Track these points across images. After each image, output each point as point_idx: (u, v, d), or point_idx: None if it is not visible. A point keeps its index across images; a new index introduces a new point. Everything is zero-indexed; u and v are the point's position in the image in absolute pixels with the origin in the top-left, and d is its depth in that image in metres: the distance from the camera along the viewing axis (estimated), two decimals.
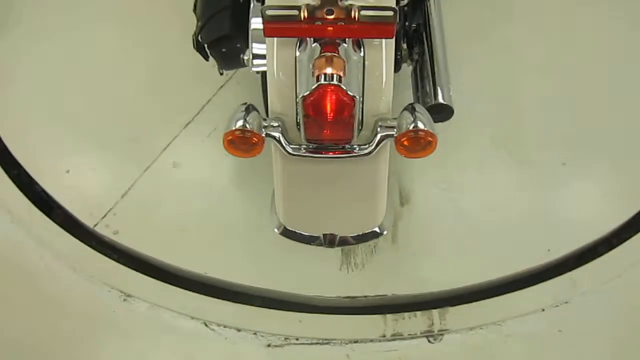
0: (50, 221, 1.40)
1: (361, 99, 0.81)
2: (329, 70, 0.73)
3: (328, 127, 0.79)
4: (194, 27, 1.17)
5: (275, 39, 0.81)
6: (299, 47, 0.79)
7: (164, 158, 1.45)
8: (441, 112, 1.04)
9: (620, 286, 1.28)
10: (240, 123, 0.81)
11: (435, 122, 1.05)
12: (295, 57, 0.80)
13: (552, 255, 1.32)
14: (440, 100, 1.02)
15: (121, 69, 1.58)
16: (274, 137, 0.83)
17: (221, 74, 1.32)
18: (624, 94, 1.51)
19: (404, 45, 1.14)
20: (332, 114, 0.76)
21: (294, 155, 0.84)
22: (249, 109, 0.84)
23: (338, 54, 0.76)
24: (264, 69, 0.95)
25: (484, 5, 1.64)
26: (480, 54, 1.57)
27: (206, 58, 1.18)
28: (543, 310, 1.27)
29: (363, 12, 0.72)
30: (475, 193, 1.39)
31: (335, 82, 0.73)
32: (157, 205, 1.40)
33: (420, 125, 0.81)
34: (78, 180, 1.44)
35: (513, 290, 1.29)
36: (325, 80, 0.73)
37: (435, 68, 1.07)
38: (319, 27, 0.75)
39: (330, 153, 0.84)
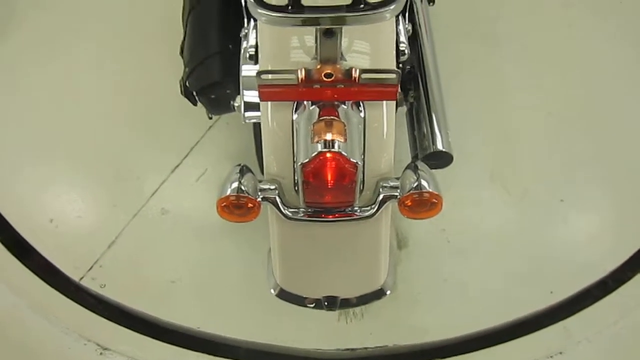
0: (28, 270, 1.34)
1: (363, 162, 0.77)
2: (328, 137, 0.69)
3: (328, 193, 0.75)
4: (181, 71, 1.14)
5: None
6: (297, 109, 0.75)
7: (152, 204, 1.40)
8: (440, 159, 1.01)
9: (617, 333, 1.25)
10: (235, 185, 0.77)
11: (434, 168, 1.02)
12: (293, 119, 0.75)
13: (552, 298, 1.28)
14: (440, 147, 0.99)
15: (108, 108, 1.53)
16: (270, 201, 0.79)
17: (210, 118, 1.28)
18: (621, 130, 1.49)
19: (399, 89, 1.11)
20: (332, 181, 0.72)
21: (293, 219, 0.80)
22: (243, 170, 0.80)
23: (338, 116, 0.72)
24: (256, 120, 0.91)
25: (478, 41, 1.62)
26: (475, 89, 1.55)
27: (194, 103, 1.14)
28: None
29: (364, 75, 0.69)
30: (473, 234, 1.36)
31: (335, 149, 0.69)
32: (145, 256, 1.34)
33: (425, 185, 0.77)
34: (62, 229, 1.38)
35: (513, 339, 1.25)
36: (325, 147, 0.69)
37: (432, 112, 1.04)
38: (318, 91, 0.71)
39: (331, 216, 0.80)
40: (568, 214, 1.40)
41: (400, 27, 0.88)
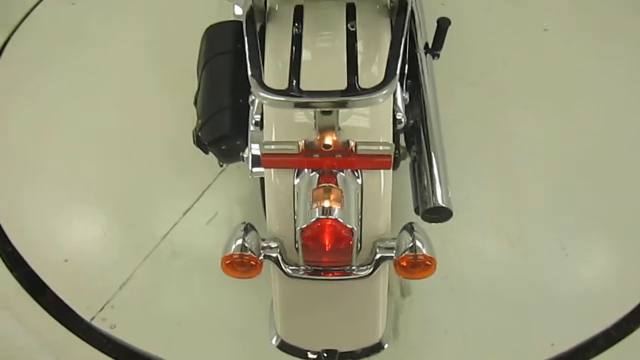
0: (41, 308, 1.39)
1: (360, 225, 0.81)
2: (326, 204, 0.74)
3: (326, 255, 0.79)
4: (195, 119, 1.19)
5: None
6: (298, 174, 0.80)
7: (163, 246, 1.45)
8: (440, 213, 1.04)
9: None
10: (239, 243, 0.81)
11: (434, 222, 1.06)
12: (294, 184, 0.80)
13: (553, 350, 1.29)
14: (440, 202, 1.02)
15: (124, 152, 1.59)
16: (272, 260, 0.83)
17: (221, 165, 1.33)
18: (627, 180, 1.51)
19: (402, 143, 1.15)
20: (330, 245, 0.76)
21: (293, 277, 0.83)
22: (247, 228, 0.84)
23: (336, 183, 0.76)
24: (262, 176, 0.95)
25: (480, 87, 1.67)
26: (478, 136, 1.59)
27: (206, 152, 1.19)
28: None
29: (361, 147, 0.73)
30: (476, 283, 1.38)
31: (333, 215, 0.73)
32: (155, 298, 1.38)
33: (420, 247, 0.80)
34: (76, 269, 1.43)
35: None
36: (323, 214, 0.73)
37: (434, 167, 1.07)
38: (317, 160, 0.75)
39: (329, 275, 0.84)
40: (571, 264, 1.41)
41: (398, 95, 0.92)
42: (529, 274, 1.39)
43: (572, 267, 1.41)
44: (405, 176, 1.12)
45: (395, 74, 0.67)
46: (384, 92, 0.65)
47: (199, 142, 1.18)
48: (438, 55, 1.31)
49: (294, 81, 0.68)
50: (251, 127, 0.98)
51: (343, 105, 0.66)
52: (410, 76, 1.23)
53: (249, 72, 0.71)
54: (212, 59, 1.22)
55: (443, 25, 1.24)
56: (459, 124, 1.56)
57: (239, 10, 1.48)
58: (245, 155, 1.08)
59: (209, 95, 1.19)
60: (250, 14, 0.79)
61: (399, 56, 0.69)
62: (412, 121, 1.17)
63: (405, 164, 1.12)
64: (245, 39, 0.75)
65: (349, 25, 0.77)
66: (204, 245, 1.45)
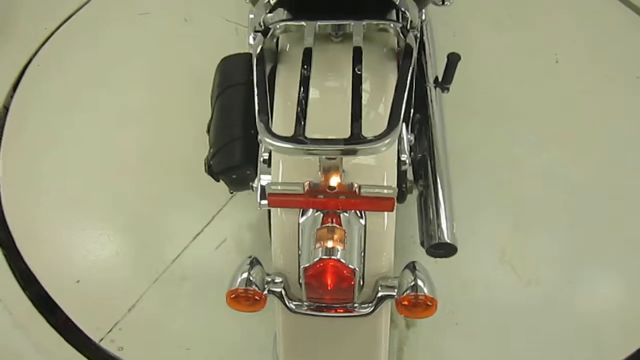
0: (51, 327, 1.42)
1: (362, 263, 0.82)
2: (329, 244, 0.75)
3: (328, 293, 0.80)
4: (207, 146, 1.22)
5: None
6: (303, 212, 0.81)
7: (172, 270, 1.47)
8: (445, 249, 1.05)
9: None
10: (244, 277, 0.82)
11: (439, 257, 1.07)
12: (299, 223, 0.82)
13: None
14: (445, 239, 1.03)
15: (137, 176, 1.63)
16: (276, 295, 0.84)
17: (231, 193, 1.35)
18: (634, 210, 1.51)
19: (410, 177, 1.16)
20: (332, 285, 0.77)
21: (296, 312, 0.85)
22: (253, 263, 0.86)
23: (340, 222, 0.78)
24: (270, 208, 0.97)
25: (490, 120, 1.68)
26: (486, 168, 1.60)
27: (217, 180, 1.21)
28: None
29: (364, 190, 0.75)
30: (481, 317, 1.38)
31: (335, 256, 0.75)
32: (164, 321, 1.40)
33: (421, 286, 0.81)
34: (87, 290, 1.45)
35: None
36: (326, 254, 0.75)
37: (440, 202, 1.09)
38: (321, 201, 0.77)
39: (332, 311, 0.85)
40: (578, 299, 1.41)
41: (403, 136, 0.94)
42: (536, 307, 1.39)
43: (579, 301, 1.40)
44: (413, 208, 1.14)
45: (398, 123, 0.69)
46: (387, 141, 0.67)
47: (210, 171, 1.20)
48: (448, 89, 1.33)
49: (300, 127, 0.70)
50: (261, 157, 1.00)
51: (346, 153, 0.68)
52: (418, 109, 1.24)
53: (257, 117, 0.73)
54: (226, 90, 1.25)
55: (453, 60, 1.26)
56: (468, 152, 1.57)
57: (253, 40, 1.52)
58: (255, 185, 1.10)
59: (221, 125, 1.22)
60: (260, 56, 0.82)
61: (402, 105, 0.71)
62: (419, 155, 1.19)
63: (413, 196, 1.13)
64: (255, 82, 0.77)
65: (355, 68, 0.79)
66: (213, 271, 1.47)
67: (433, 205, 1.09)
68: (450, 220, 1.06)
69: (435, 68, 1.36)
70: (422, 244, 1.07)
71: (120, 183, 1.61)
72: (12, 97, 1.85)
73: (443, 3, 1.26)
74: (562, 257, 1.46)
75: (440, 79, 1.29)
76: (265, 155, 0.89)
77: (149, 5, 2.02)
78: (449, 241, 1.03)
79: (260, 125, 0.71)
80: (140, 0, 2.04)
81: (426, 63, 1.37)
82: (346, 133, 0.70)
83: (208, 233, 1.53)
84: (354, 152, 0.68)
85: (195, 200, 1.57)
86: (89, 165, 1.65)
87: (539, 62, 1.82)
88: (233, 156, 1.16)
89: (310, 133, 0.71)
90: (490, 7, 1.94)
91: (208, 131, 1.26)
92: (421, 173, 1.15)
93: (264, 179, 1.00)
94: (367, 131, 0.71)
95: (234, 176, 1.17)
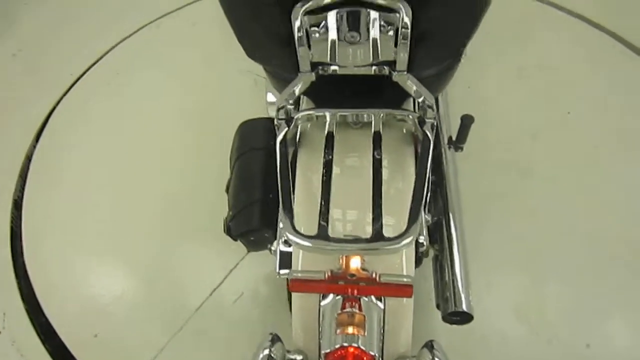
0: None
1: (381, 346, 0.84)
2: (350, 330, 0.77)
3: None
4: (225, 203, 1.24)
5: None
6: (323, 297, 0.84)
7: (191, 324, 1.49)
8: (461, 316, 1.06)
9: None
10: (266, 352, 0.84)
11: (454, 324, 1.08)
12: (320, 304, 0.84)
13: None
14: (462, 308, 1.05)
15: (156, 230, 1.66)
16: None
17: (249, 251, 1.38)
18: None
19: (425, 242, 1.18)
20: None
21: None
22: (274, 340, 0.87)
23: (359, 307, 0.80)
24: (290, 277, 0.99)
25: (506, 170, 1.70)
26: (499, 220, 1.61)
27: (235, 240, 1.24)
28: None
29: (384, 278, 0.77)
30: None
31: (356, 343, 0.76)
32: None
33: None
34: (106, 344, 1.47)
35: None
36: (346, 341, 0.76)
37: (455, 267, 1.10)
38: (342, 287, 0.79)
39: None
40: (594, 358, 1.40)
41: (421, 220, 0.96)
42: None
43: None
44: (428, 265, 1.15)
45: (417, 220, 0.71)
46: (407, 241, 0.69)
47: (229, 232, 1.23)
48: (462, 149, 1.34)
49: (324, 226, 0.72)
50: (281, 224, 1.02)
51: (368, 253, 0.71)
52: (433, 171, 1.26)
53: (281, 212, 0.75)
54: (245, 154, 1.28)
55: (467, 122, 1.28)
56: (481, 205, 1.58)
57: (271, 98, 1.56)
58: (273, 248, 1.13)
59: (240, 188, 1.24)
60: (283, 144, 0.85)
61: (421, 201, 0.73)
62: (435, 217, 1.20)
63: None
64: (279, 173, 0.80)
65: (375, 153, 0.82)
66: (230, 325, 1.48)
67: (449, 269, 1.10)
68: (466, 287, 1.08)
69: (450, 127, 1.39)
70: (437, 306, 1.09)
71: (139, 234, 1.64)
72: (35, 146, 1.90)
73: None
74: (580, 312, 1.46)
75: (454, 139, 1.31)
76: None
77: (169, 53, 2.08)
78: (465, 310, 1.04)
79: (284, 222, 0.73)
80: (161, 48, 2.10)
81: (440, 123, 1.39)
82: (367, 227, 0.72)
83: (226, 286, 1.55)
84: (375, 253, 0.70)
85: (215, 251, 1.60)
86: (109, 217, 1.69)
87: (552, 114, 1.84)
88: (252, 219, 1.18)
89: (332, 227, 0.73)
90: (503, 57, 1.97)
91: (227, 191, 1.29)
92: (436, 237, 1.17)
93: (283, 245, 1.03)
94: (388, 222, 0.73)
95: (252, 238, 1.19)
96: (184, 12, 2.29)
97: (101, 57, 2.13)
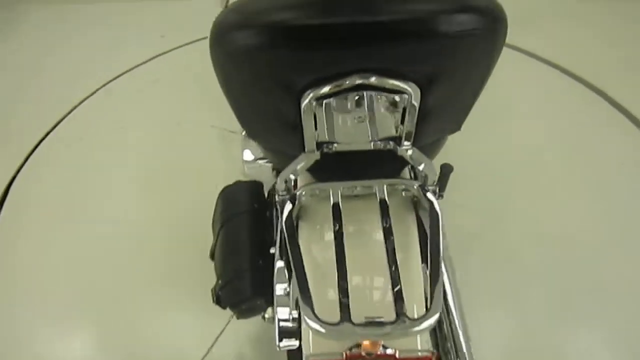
0: None
1: None
2: None
3: None
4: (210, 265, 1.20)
5: None
6: None
7: None
8: None
9: None
10: None
11: None
12: None
13: None
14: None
15: (130, 289, 1.60)
16: None
17: (238, 319, 1.33)
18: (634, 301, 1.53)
19: None
20: None
21: None
22: None
23: None
24: (291, 348, 0.95)
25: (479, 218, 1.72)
26: (480, 265, 1.61)
27: (224, 308, 1.19)
28: None
29: (403, 355, 0.75)
30: None
31: None
32: None
33: None
34: None
35: None
36: None
37: (455, 321, 1.09)
38: None
39: None
40: None
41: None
42: None
43: None
44: None
45: (439, 301, 0.70)
46: (432, 320, 0.68)
47: (218, 301, 1.18)
48: (442, 196, 1.36)
49: (345, 308, 0.69)
50: (277, 292, 0.99)
51: (394, 337, 0.69)
52: None
53: (300, 299, 0.72)
54: (230, 220, 1.25)
55: (446, 171, 1.29)
56: (463, 251, 1.58)
57: (248, 156, 1.53)
58: (267, 316, 1.09)
59: (227, 258, 1.20)
60: (289, 219, 0.82)
61: (439, 280, 0.72)
62: None
63: None
64: (290, 255, 0.77)
65: (383, 222, 0.81)
66: None
67: (447, 322, 1.09)
68: (467, 340, 1.06)
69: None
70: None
71: (114, 301, 1.58)
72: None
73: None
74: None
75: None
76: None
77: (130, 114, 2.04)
78: None
79: (305, 309, 0.70)
80: (123, 114, 2.06)
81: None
82: (389, 307, 0.70)
83: (213, 356, 1.48)
84: (399, 335, 0.69)
85: (195, 321, 1.54)
86: (79, 283, 1.62)
87: (525, 157, 1.89)
88: (243, 288, 1.14)
89: (353, 310, 0.70)
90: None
91: (211, 257, 1.25)
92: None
93: (282, 312, 0.99)
94: (406, 297, 0.71)
95: (243, 307, 1.15)
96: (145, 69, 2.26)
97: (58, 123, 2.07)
